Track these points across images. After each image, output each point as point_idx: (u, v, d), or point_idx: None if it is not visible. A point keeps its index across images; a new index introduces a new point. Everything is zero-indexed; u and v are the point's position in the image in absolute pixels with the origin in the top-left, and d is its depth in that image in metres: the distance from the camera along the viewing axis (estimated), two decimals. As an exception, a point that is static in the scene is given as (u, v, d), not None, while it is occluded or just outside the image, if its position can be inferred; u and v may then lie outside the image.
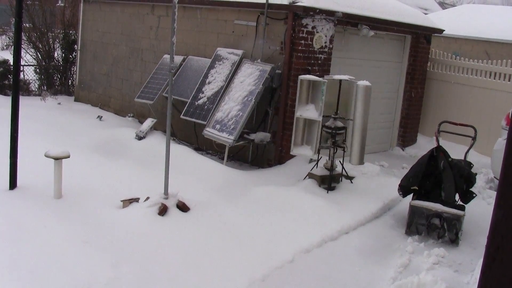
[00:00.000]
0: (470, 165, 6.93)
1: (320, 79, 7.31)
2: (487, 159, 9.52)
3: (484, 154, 10.20)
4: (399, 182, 6.75)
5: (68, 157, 6.11)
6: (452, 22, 13.84)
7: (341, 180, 7.69)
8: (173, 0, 5.81)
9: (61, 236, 5.05)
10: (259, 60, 8.54)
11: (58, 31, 15.45)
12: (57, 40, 15.20)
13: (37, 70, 14.90)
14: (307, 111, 7.41)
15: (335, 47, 8.90)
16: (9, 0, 14.78)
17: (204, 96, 8.85)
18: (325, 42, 8.61)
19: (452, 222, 6.18)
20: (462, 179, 6.47)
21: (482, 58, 12.18)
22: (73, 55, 14.81)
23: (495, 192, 8.71)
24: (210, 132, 8.29)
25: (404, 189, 6.67)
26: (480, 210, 6.73)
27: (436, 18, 13.21)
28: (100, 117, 11.27)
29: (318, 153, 7.59)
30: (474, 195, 6.40)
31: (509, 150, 1.87)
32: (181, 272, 4.77)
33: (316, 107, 7.36)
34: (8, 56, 13.44)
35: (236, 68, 8.76)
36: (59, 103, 12.61)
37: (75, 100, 13.72)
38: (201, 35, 9.86)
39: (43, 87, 14.59)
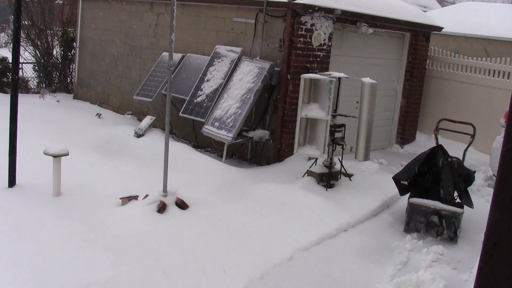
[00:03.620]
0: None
1: (326, 77, 7.14)
2: (486, 157, 9.53)
3: (483, 152, 10.21)
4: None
5: (67, 155, 6.12)
6: (451, 20, 13.84)
7: (340, 178, 7.69)
8: (171, -2, 5.80)
9: (60, 234, 5.06)
10: (258, 58, 8.53)
11: (57, 28, 15.43)
12: (55, 38, 15.17)
13: (36, 67, 14.88)
14: (312, 111, 7.27)
15: (334, 45, 8.90)
16: (8, -3, 14.79)
17: (203, 94, 8.85)
18: (324, 40, 8.61)
19: (450, 220, 6.19)
20: (461, 178, 6.46)
21: (481, 56, 12.18)
22: (72, 52, 14.79)
23: (494, 190, 8.57)
24: (209, 129, 8.29)
25: (398, 184, 6.66)
26: (478, 208, 6.72)
27: (435, 16, 13.21)
28: (99, 115, 11.26)
29: (328, 153, 7.42)
30: (471, 206, 6.38)
31: (506, 147, 1.88)
32: (180, 270, 4.78)
33: (321, 106, 7.23)
34: (7, 53, 13.42)
35: (235, 65, 8.75)
36: (58, 101, 12.60)
37: (74, 97, 13.71)
38: (200, 33, 9.85)
39: (42, 84, 14.56)
